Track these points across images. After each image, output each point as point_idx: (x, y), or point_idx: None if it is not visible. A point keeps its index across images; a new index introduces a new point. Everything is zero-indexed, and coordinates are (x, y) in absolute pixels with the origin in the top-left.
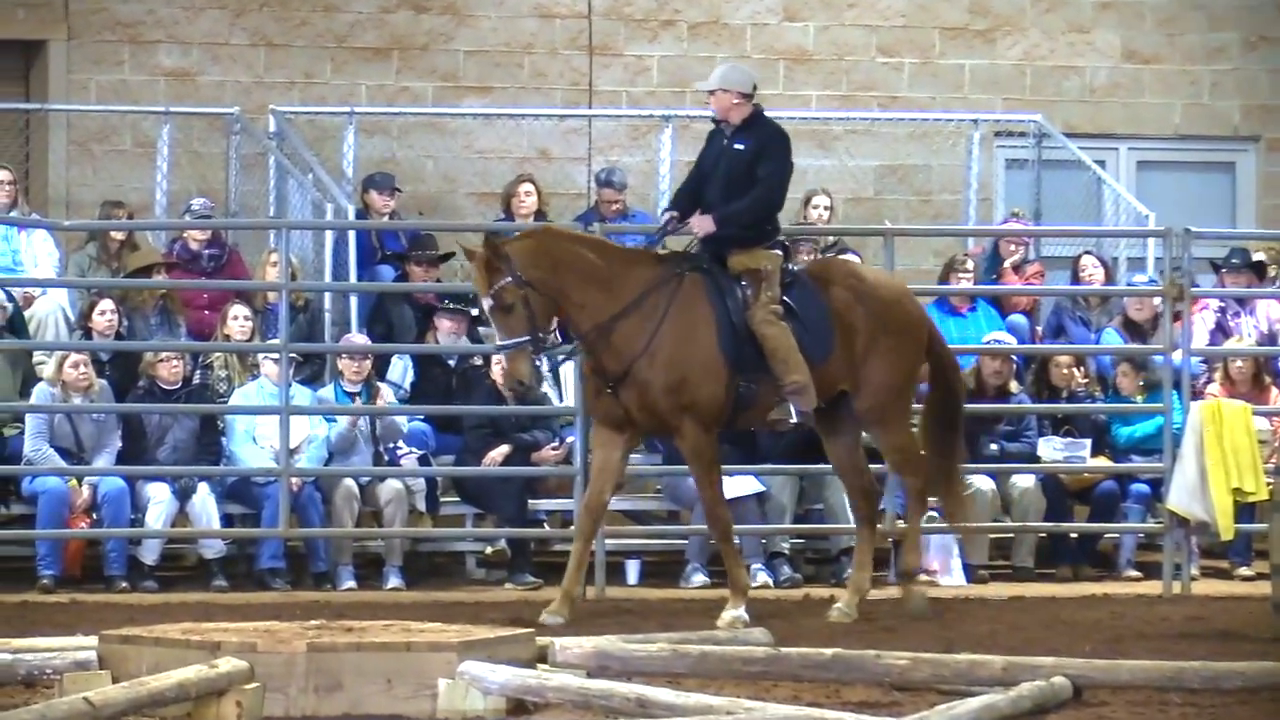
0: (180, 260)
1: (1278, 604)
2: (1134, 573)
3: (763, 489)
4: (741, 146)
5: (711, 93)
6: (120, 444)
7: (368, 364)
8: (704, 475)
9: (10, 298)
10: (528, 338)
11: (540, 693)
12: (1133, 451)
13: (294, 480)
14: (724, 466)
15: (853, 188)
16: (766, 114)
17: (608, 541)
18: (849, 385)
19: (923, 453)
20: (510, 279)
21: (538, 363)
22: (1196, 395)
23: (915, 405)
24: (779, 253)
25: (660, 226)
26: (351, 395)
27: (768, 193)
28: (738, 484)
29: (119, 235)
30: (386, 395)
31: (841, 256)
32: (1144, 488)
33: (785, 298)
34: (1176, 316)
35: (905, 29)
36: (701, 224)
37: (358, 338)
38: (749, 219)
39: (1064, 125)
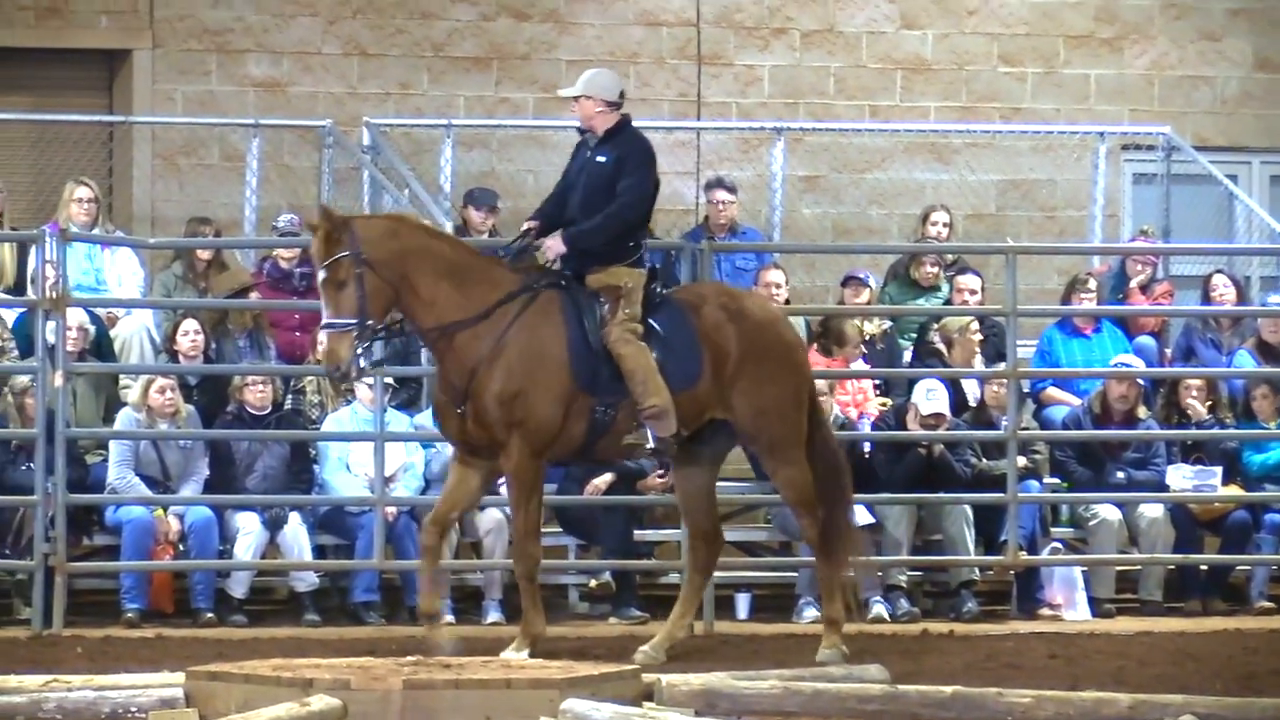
0: (270, 279)
1: None
2: (1267, 605)
3: (873, 520)
4: (604, 159)
5: (576, 99)
6: (208, 472)
7: None
8: (520, 501)
9: (94, 319)
10: (354, 321)
11: None
12: (1266, 480)
13: (389, 510)
14: None
15: (973, 203)
16: (634, 124)
17: (717, 574)
18: (720, 411)
19: None
20: (348, 254)
21: (359, 350)
22: None
23: None
24: (641, 270)
25: (516, 239)
26: None
27: (622, 210)
28: None
29: (206, 254)
30: None
31: (961, 276)
32: (1278, 517)
33: (651, 319)
34: None
35: (1028, 37)
36: (552, 245)
37: None
38: (602, 238)
39: (1194, 138)
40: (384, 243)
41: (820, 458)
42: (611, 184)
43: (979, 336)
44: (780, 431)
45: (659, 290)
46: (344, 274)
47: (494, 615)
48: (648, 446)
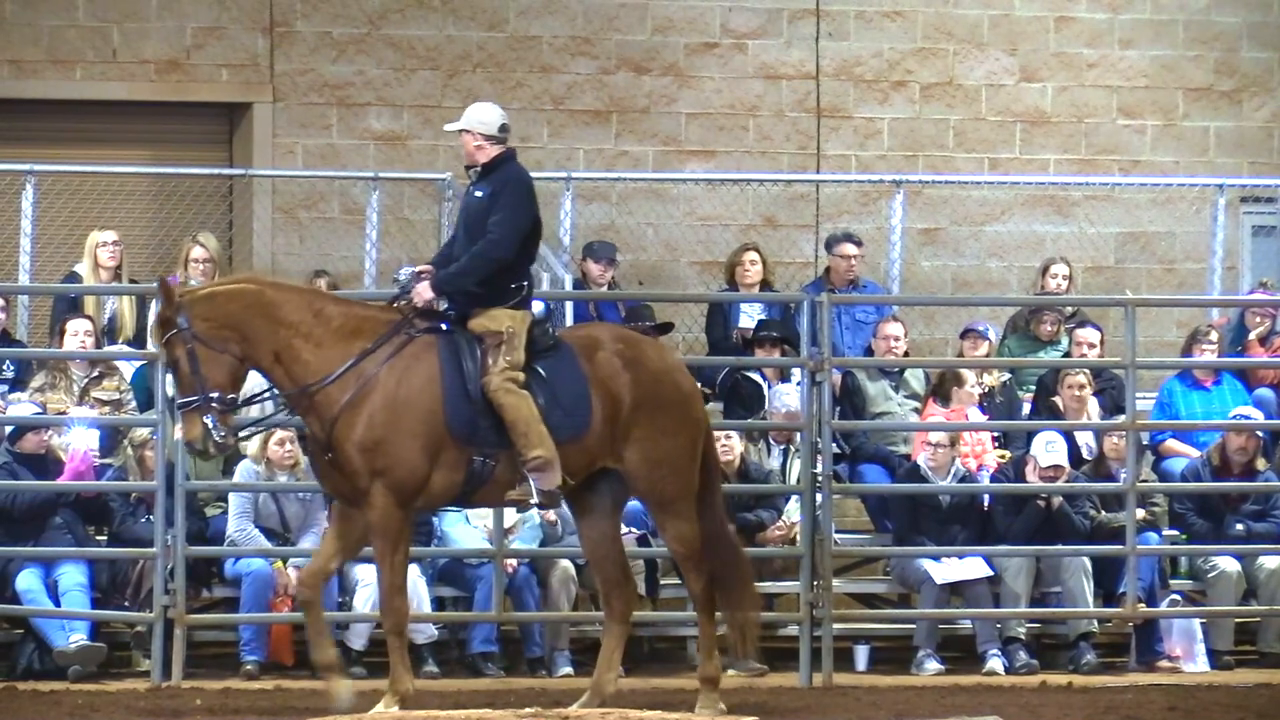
0: None
1: None
2: None
3: (991, 572)
4: (480, 194)
5: (459, 134)
6: (327, 524)
7: None
8: (384, 554)
9: None
10: (195, 398)
11: None
12: None
13: (508, 562)
14: (956, 549)
15: (1092, 256)
16: (518, 159)
17: (835, 626)
18: (612, 460)
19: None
20: (175, 331)
21: (211, 425)
22: None
23: None
24: (526, 313)
25: (403, 284)
26: None
27: (488, 248)
28: (969, 566)
29: None
30: None
31: (1080, 329)
32: None
33: (539, 364)
34: None
35: (1148, 90)
36: (420, 290)
37: None
38: (471, 279)
39: None
40: (214, 313)
41: (709, 512)
42: (486, 220)
43: (1086, 390)
44: (673, 486)
45: (552, 333)
46: (177, 352)
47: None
48: (531, 501)
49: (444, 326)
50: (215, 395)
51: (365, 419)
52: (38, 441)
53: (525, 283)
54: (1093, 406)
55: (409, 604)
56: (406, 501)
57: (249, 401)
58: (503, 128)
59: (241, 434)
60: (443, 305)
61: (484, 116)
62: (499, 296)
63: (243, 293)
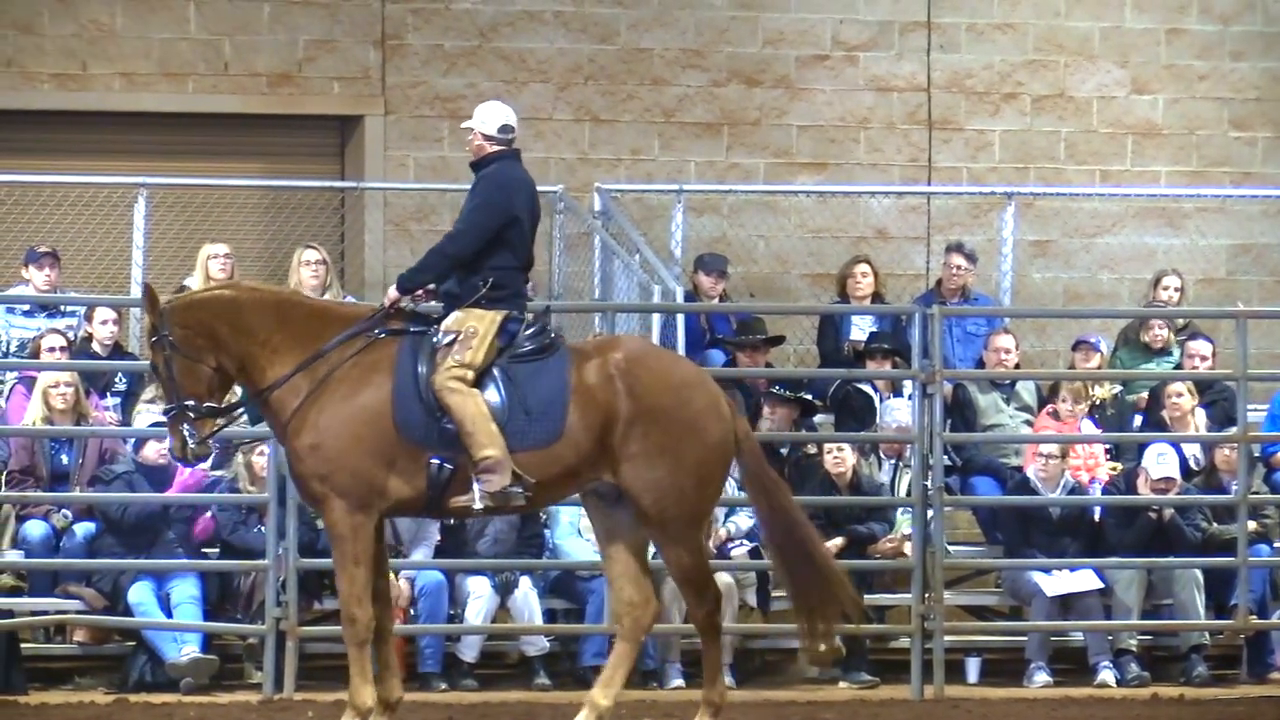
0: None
1: None
2: None
3: (1103, 585)
4: (469, 193)
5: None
6: (439, 536)
7: None
8: (339, 562)
9: None
10: (173, 406)
11: None
12: None
13: None
14: (1067, 561)
15: (1204, 268)
16: (517, 160)
17: (946, 639)
18: (608, 474)
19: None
20: (156, 338)
21: (188, 433)
22: None
23: None
24: (497, 313)
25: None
26: None
27: (445, 244)
28: (1080, 579)
29: None
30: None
31: (1192, 341)
32: None
33: (515, 368)
34: None
35: (1259, 101)
36: (390, 292)
37: None
38: (429, 276)
39: None
40: (189, 319)
41: (779, 527)
42: None
43: (1184, 400)
44: (675, 512)
45: (551, 336)
46: (157, 359)
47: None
48: (475, 506)
49: (411, 329)
50: (190, 403)
51: (310, 422)
52: (159, 452)
53: (502, 280)
54: (1199, 417)
55: (366, 612)
56: (361, 508)
57: (228, 410)
58: (503, 128)
59: (244, 444)
60: (409, 304)
61: (484, 115)
62: (467, 294)
63: (215, 299)
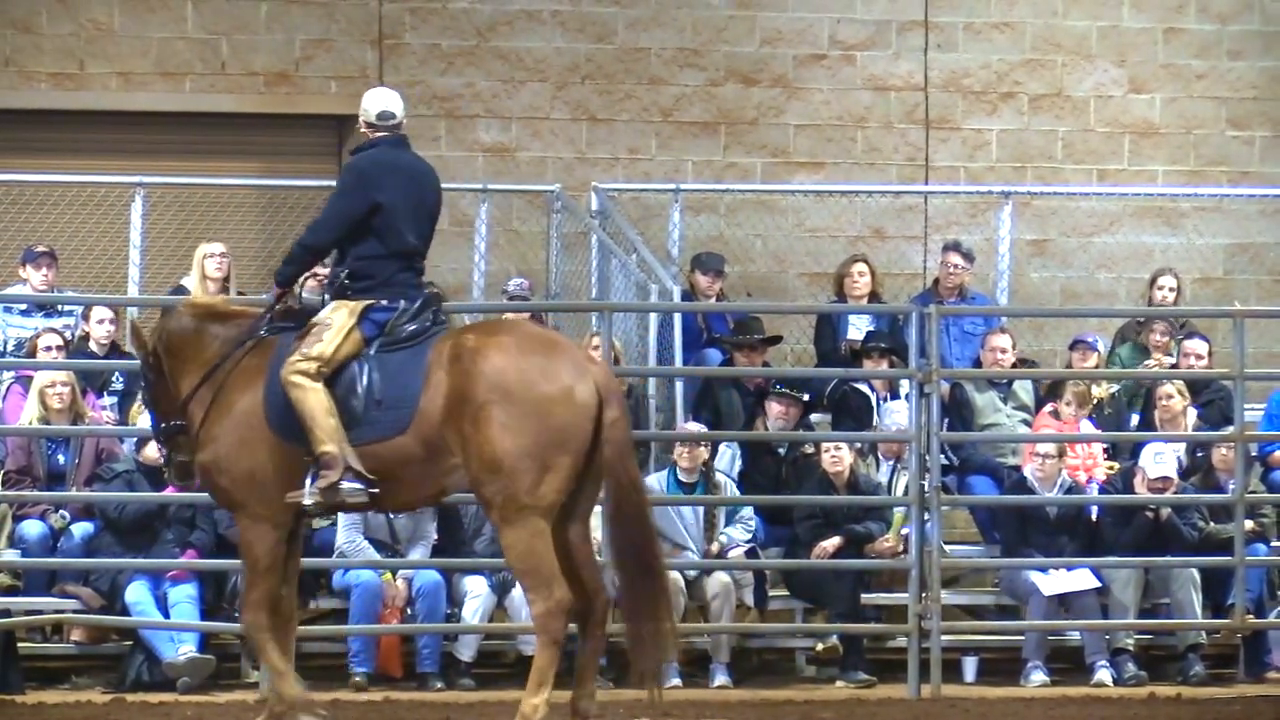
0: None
1: None
2: None
3: (1100, 584)
4: None
5: None
6: (436, 536)
7: (702, 452)
8: (247, 574)
9: None
10: (154, 427)
11: None
12: None
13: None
14: (1064, 560)
15: (1201, 267)
16: (390, 146)
17: (943, 638)
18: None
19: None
20: (139, 361)
21: (161, 453)
22: None
23: None
24: (358, 304)
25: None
26: (686, 485)
27: (303, 235)
28: (1077, 578)
29: None
30: (728, 487)
31: (1188, 340)
32: None
33: (381, 357)
34: None
35: (1256, 101)
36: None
37: (691, 426)
38: (292, 269)
39: None
40: (151, 338)
41: (619, 528)
42: None
43: (1174, 401)
44: (509, 489)
45: (431, 323)
46: (141, 378)
47: (721, 678)
48: (305, 503)
49: (296, 325)
50: (161, 424)
51: (208, 435)
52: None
53: (352, 270)
54: (1190, 417)
55: (259, 616)
56: (263, 517)
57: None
58: (383, 114)
59: None
60: (295, 300)
61: (366, 103)
62: (341, 290)
63: (170, 319)
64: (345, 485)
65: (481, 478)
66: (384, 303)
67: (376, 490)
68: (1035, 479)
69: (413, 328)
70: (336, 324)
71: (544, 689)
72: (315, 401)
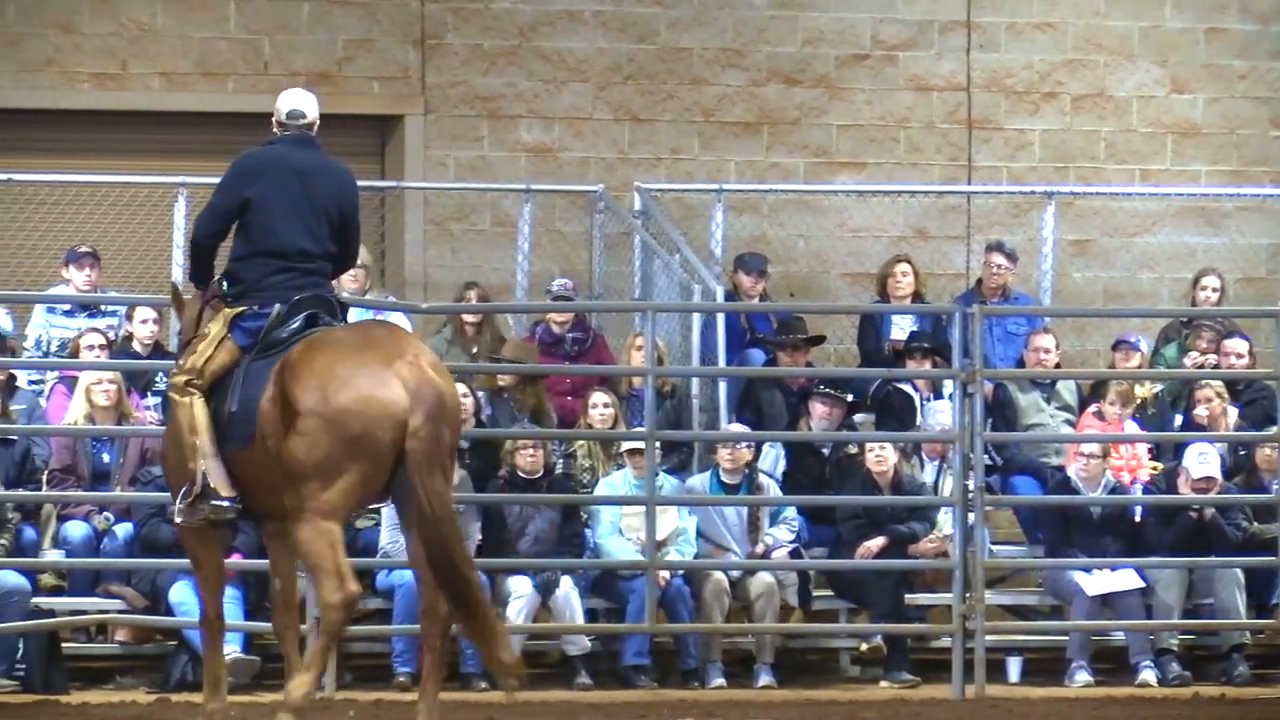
0: (542, 344)
1: None
2: None
3: (1144, 584)
4: None
5: None
6: (480, 536)
7: (746, 452)
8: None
9: None
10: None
11: None
12: None
13: (661, 574)
14: (1108, 560)
15: (1243, 267)
16: (285, 141)
17: (987, 638)
18: None
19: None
20: None
21: None
22: None
23: None
24: (227, 312)
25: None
26: (730, 486)
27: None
28: (1120, 578)
29: (472, 317)
30: (771, 488)
31: (1229, 340)
32: None
33: (253, 366)
34: None
35: None
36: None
37: (734, 426)
38: (191, 267)
39: None
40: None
41: (419, 536)
42: None
43: (1214, 403)
44: (301, 498)
45: (294, 330)
46: None
47: (765, 678)
48: (176, 520)
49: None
50: None
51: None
52: None
53: (227, 273)
54: (1231, 417)
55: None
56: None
57: None
58: (292, 114)
59: None
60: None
61: (278, 102)
62: (224, 295)
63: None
64: (207, 505)
65: (285, 486)
66: (255, 309)
67: (240, 505)
68: (1079, 479)
69: (285, 335)
70: (211, 334)
71: (310, 671)
72: (182, 416)
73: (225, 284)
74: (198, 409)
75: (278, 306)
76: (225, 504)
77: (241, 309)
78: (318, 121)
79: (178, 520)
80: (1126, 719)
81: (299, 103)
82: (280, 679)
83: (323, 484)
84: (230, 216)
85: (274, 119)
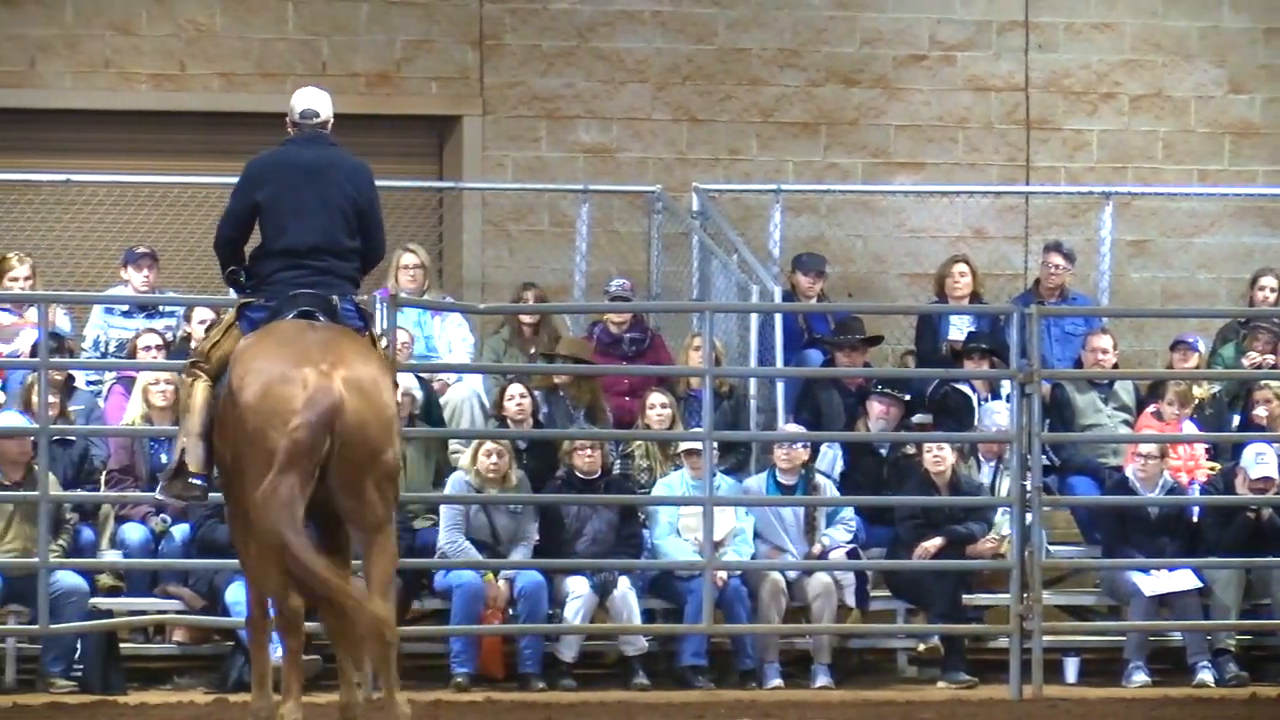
0: (600, 344)
1: None
2: None
3: (1201, 584)
4: None
5: None
6: (538, 536)
7: (803, 453)
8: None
9: (422, 384)
10: None
11: None
12: None
13: (719, 574)
14: (1166, 560)
15: None
16: (297, 140)
17: (1045, 638)
18: None
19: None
20: None
21: None
22: None
23: None
24: (242, 301)
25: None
26: (786, 487)
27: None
28: (1178, 578)
29: (530, 318)
30: (828, 488)
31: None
32: None
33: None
34: None
35: None
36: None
37: (791, 427)
38: (220, 267)
39: None
40: None
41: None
42: None
43: (1275, 404)
44: (226, 489)
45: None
46: None
47: (822, 679)
48: (157, 496)
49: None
50: None
51: None
52: None
53: (254, 267)
54: None
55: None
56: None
57: None
58: (305, 113)
59: None
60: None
61: (292, 101)
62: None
63: None
64: (182, 481)
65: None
66: (260, 301)
67: (207, 485)
68: (1137, 479)
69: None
70: (223, 321)
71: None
72: (183, 396)
73: (244, 277)
74: (197, 390)
75: (275, 301)
76: (196, 481)
77: (250, 300)
78: (331, 120)
79: (158, 495)
80: (1184, 719)
81: (312, 101)
82: (336, 679)
83: (242, 478)
84: (243, 219)
85: (288, 119)
